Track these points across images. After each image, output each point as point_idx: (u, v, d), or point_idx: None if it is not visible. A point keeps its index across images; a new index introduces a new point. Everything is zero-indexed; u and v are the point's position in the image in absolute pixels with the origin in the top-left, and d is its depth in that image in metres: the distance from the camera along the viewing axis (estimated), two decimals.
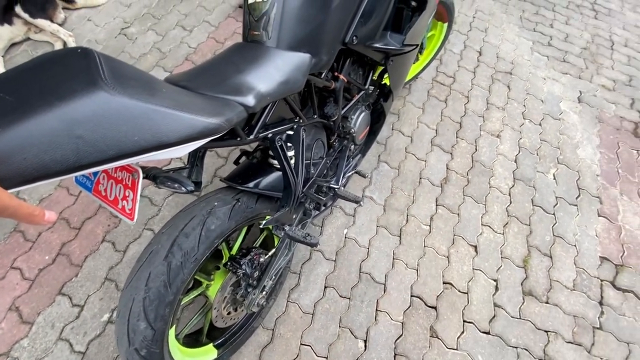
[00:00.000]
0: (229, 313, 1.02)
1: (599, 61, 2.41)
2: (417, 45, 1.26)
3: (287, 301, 1.37)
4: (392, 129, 1.89)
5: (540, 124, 2.02)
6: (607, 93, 2.23)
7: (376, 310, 1.38)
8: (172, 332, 0.86)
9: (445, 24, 1.75)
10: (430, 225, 1.61)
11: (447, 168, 1.79)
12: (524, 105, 2.09)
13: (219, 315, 0.98)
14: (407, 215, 1.63)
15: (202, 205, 0.86)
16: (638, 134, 2.07)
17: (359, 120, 1.25)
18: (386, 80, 1.37)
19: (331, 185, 1.14)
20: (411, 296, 1.43)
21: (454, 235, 1.60)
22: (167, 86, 0.56)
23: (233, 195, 0.91)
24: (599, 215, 1.73)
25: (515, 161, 1.86)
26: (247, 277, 0.96)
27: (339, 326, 1.34)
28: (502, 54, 2.34)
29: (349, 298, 1.40)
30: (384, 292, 1.42)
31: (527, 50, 2.40)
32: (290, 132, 0.92)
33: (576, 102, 2.16)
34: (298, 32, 0.80)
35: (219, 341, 1.10)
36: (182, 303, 0.94)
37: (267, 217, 1.04)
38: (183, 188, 0.56)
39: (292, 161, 0.92)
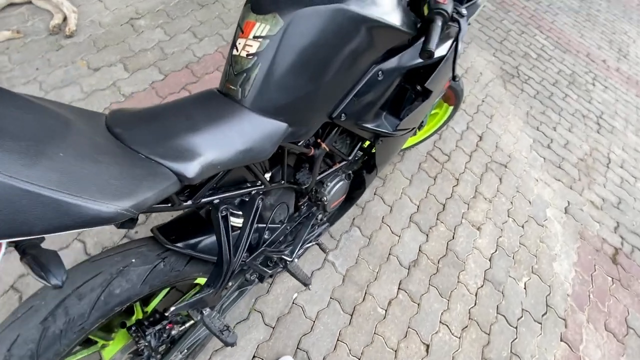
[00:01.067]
0: None
1: (592, 176, 2.41)
2: (412, 129, 1.19)
3: None
4: (375, 194, 1.80)
5: (522, 226, 1.97)
6: (594, 210, 2.21)
7: None
8: None
9: (451, 107, 1.71)
10: (386, 311, 1.48)
11: (419, 250, 1.69)
12: (511, 203, 2.04)
13: None
14: (366, 293, 1.51)
15: (116, 260, 0.73)
16: (616, 260, 2.03)
17: (334, 189, 1.15)
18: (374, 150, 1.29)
19: (283, 256, 1.01)
20: None
21: (409, 327, 1.47)
22: (75, 143, 0.45)
23: (159, 253, 0.78)
24: (561, 340, 1.64)
25: (490, 260, 1.78)
26: (150, 349, 0.81)
27: None
28: (501, 144, 2.32)
29: None
30: None
31: (526, 146, 2.39)
32: (245, 198, 0.81)
33: (563, 212, 2.13)
34: (278, 99, 0.71)
35: None
36: None
37: (198, 279, 0.91)
38: (47, 281, 0.44)
39: (236, 232, 0.80)
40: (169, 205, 0.63)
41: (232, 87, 0.71)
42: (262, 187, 0.83)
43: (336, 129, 0.96)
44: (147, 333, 0.78)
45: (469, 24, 1.58)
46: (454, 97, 1.61)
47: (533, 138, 2.47)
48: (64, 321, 0.64)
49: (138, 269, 0.73)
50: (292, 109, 0.74)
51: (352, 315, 1.44)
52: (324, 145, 0.95)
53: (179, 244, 0.79)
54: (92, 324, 0.66)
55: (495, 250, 1.82)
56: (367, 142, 1.20)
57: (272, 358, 1.28)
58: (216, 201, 0.72)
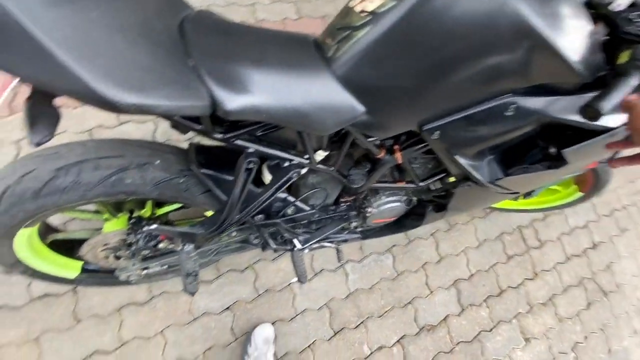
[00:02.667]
0: (105, 257, 0.90)
1: None
2: (515, 193, 0.93)
3: None
4: (431, 235, 1.56)
5: None
6: None
7: None
8: (25, 232, 0.76)
9: (580, 195, 1.34)
10: (372, 353, 1.32)
11: (444, 319, 1.44)
12: (586, 338, 1.59)
13: (91, 252, 0.86)
14: (362, 323, 1.35)
15: (143, 152, 0.71)
16: None
17: (385, 207, 0.99)
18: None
19: (295, 240, 0.92)
20: None
21: None
22: (121, 10, 0.39)
23: (183, 169, 0.74)
24: None
25: None
26: (136, 247, 0.81)
27: None
28: (616, 268, 1.80)
29: None
30: None
31: None
32: (282, 163, 0.71)
33: None
34: (369, 77, 0.58)
35: (90, 267, 1.00)
36: (70, 214, 0.83)
37: (207, 212, 0.87)
38: (27, 133, 0.41)
39: (258, 191, 0.72)
40: (198, 127, 0.57)
41: (328, 41, 0.60)
42: (307, 162, 0.73)
43: (422, 145, 0.79)
44: (138, 232, 0.78)
45: None
46: (591, 184, 1.24)
47: None
48: (71, 180, 0.65)
49: (156, 173, 0.71)
50: (379, 95, 0.60)
51: (335, 334, 1.31)
52: (398, 155, 0.79)
53: (204, 171, 0.75)
54: (94, 196, 0.67)
55: None
56: (452, 179, 0.99)
57: (243, 320, 1.25)
58: (250, 150, 0.64)
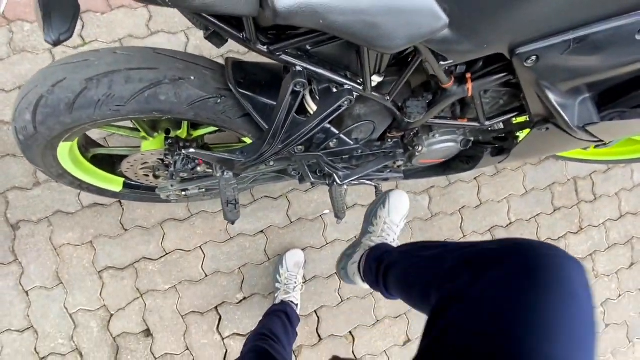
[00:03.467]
0: (145, 175, 0.90)
1: None
2: (600, 142, 0.79)
3: None
4: (475, 178, 1.46)
5: (608, 325, 1.52)
6: None
7: None
8: (67, 145, 0.75)
9: None
10: None
11: None
12: (622, 297, 1.55)
13: (131, 170, 0.86)
14: None
15: (178, 66, 0.64)
16: None
17: (437, 147, 0.88)
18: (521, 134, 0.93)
19: (335, 174, 0.86)
20: None
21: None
22: None
23: (220, 87, 0.67)
24: None
25: None
26: (173, 169, 0.79)
27: None
28: None
29: None
30: None
31: None
32: (333, 88, 0.61)
33: None
34: None
35: (131, 183, 1.02)
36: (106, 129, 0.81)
37: (245, 138, 0.82)
38: (41, 28, 0.33)
39: (301, 119, 0.64)
40: (240, 35, 0.47)
41: None
42: (360, 88, 0.62)
43: (501, 74, 0.65)
44: (177, 153, 0.75)
45: None
46: None
47: None
48: (104, 93, 0.60)
49: (191, 90, 0.64)
50: (470, 2, 0.46)
51: None
52: (470, 85, 0.66)
53: (243, 91, 0.66)
54: (128, 112, 0.62)
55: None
56: (524, 118, 0.84)
57: (276, 244, 1.29)
58: (298, 68, 0.54)
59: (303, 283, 1.24)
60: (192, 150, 0.67)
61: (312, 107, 0.68)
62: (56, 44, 0.34)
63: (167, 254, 1.23)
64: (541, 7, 0.47)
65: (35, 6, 0.34)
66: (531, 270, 0.38)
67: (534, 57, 0.54)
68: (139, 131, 0.82)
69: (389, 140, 0.90)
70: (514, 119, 0.82)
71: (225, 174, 0.72)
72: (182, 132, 0.84)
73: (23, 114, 0.63)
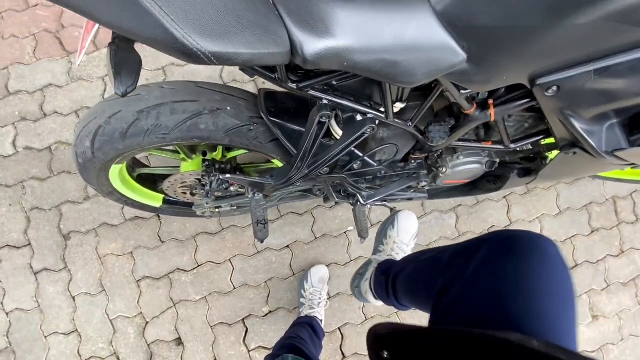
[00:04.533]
0: (183, 193, 0.97)
1: None
2: (632, 165, 0.77)
3: None
4: (504, 197, 1.43)
5: None
6: None
7: None
8: (117, 167, 0.84)
9: None
10: None
11: None
12: None
13: (171, 188, 0.94)
14: None
15: (216, 98, 0.70)
16: None
17: (462, 168, 0.89)
18: (550, 155, 0.92)
19: (358, 194, 0.89)
20: None
21: None
22: None
23: (253, 116, 0.73)
24: None
25: None
26: (209, 187, 0.86)
27: None
28: None
29: None
30: None
31: None
32: (357, 116, 0.65)
33: None
34: (477, 14, 0.46)
35: (170, 199, 1.10)
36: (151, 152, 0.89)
37: (275, 161, 0.87)
38: (111, 82, 0.40)
39: (328, 143, 0.68)
40: (272, 76, 0.52)
41: None
42: (383, 116, 0.66)
43: (524, 101, 0.66)
44: (212, 174, 0.81)
45: None
46: None
47: None
48: (152, 123, 0.67)
49: (227, 119, 0.70)
50: (487, 38, 0.49)
51: None
52: (492, 111, 0.67)
53: (274, 119, 0.72)
54: (172, 139, 0.69)
55: (593, 351, 1.38)
56: (549, 140, 0.83)
57: (301, 259, 1.33)
58: (324, 101, 0.59)
59: (327, 299, 1.26)
60: (228, 175, 0.73)
61: (337, 132, 0.72)
62: (124, 95, 0.41)
63: (199, 265, 1.30)
64: (559, 40, 0.48)
65: (107, 63, 0.41)
66: (512, 246, 0.47)
67: (555, 88, 0.54)
68: (179, 153, 0.90)
69: (413, 161, 0.92)
70: (544, 140, 0.81)
71: (256, 195, 0.77)
72: (218, 154, 0.91)
73: (83, 141, 0.72)
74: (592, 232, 1.44)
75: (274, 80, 0.53)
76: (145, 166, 1.00)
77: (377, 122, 0.65)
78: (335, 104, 0.60)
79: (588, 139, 0.64)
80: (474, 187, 1.06)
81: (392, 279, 0.76)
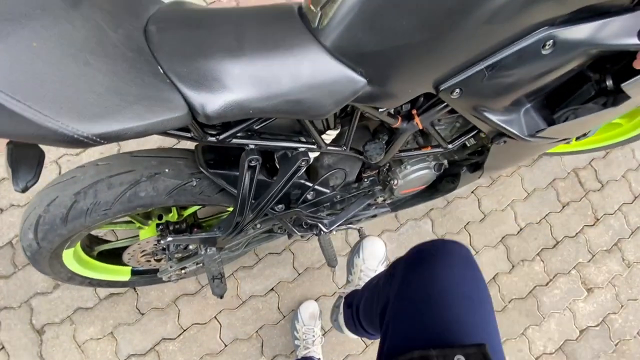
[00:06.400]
0: (147, 261, 0.95)
1: None
2: (565, 140, 0.81)
3: None
4: (472, 192, 1.46)
5: None
6: None
7: None
8: (69, 251, 0.82)
9: None
10: None
11: (493, 278, 1.38)
12: None
13: (133, 259, 0.92)
14: None
15: (152, 163, 0.71)
16: None
17: (412, 176, 0.91)
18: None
19: (319, 224, 0.89)
20: None
21: None
22: (65, 33, 0.36)
23: (194, 172, 0.74)
24: None
25: (582, 332, 1.36)
26: (168, 251, 0.84)
27: None
28: None
29: None
30: None
31: None
32: (288, 153, 0.67)
33: None
34: (365, 42, 0.49)
35: (138, 269, 1.07)
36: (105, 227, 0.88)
37: (229, 209, 0.87)
38: (11, 179, 0.41)
39: (269, 181, 0.69)
40: (188, 135, 0.54)
41: (312, 8, 0.52)
42: (315, 147, 0.68)
43: (443, 105, 0.69)
44: (168, 237, 0.80)
45: None
46: None
47: None
48: (91, 202, 0.67)
49: (167, 181, 0.71)
50: (381, 60, 0.52)
51: None
52: (417, 120, 0.71)
53: (214, 171, 0.73)
54: (114, 213, 0.69)
55: (597, 325, 1.37)
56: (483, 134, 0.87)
57: (288, 299, 1.29)
58: (251, 146, 0.60)
59: (322, 335, 1.22)
60: (169, 238, 0.73)
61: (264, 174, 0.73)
62: (24, 190, 0.41)
63: (184, 330, 1.25)
64: (443, 49, 0.52)
65: (5, 161, 0.42)
66: (422, 259, 0.52)
67: (457, 90, 0.58)
68: (134, 223, 0.89)
69: (366, 180, 0.94)
70: (479, 134, 0.85)
71: (208, 250, 0.76)
72: (173, 216, 0.90)
73: (27, 234, 0.70)
74: (563, 207, 1.48)
75: (191, 139, 0.55)
76: (104, 242, 0.98)
77: (309, 154, 0.67)
78: (262, 146, 0.62)
79: (508, 127, 0.67)
80: (433, 190, 1.08)
81: (356, 310, 0.76)
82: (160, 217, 0.90)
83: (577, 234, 1.45)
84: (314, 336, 1.18)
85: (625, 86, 0.60)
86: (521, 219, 1.45)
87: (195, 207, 0.93)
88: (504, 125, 0.67)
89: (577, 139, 1.14)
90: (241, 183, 0.63)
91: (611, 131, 1.27)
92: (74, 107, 0.34)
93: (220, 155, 0.76)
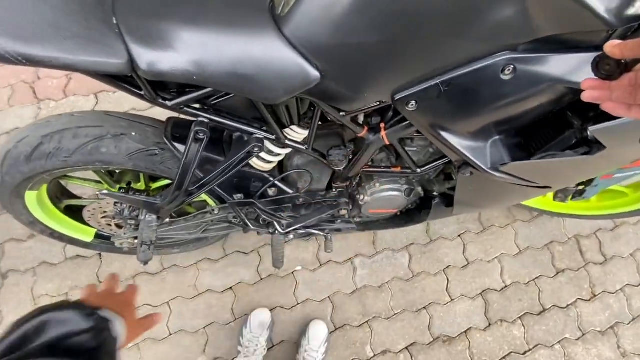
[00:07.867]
0: (107, 224, 0.97)
1: None
2: (545, 187, 0.76)
3: None
4: (459, 236, 1.38)
5: None
6: None
7: None
8: (33, 194, 0.85)
9: None
10: (374, 357, 1.22)
11: (465, 333, 1.27)
12: None
13: (93, 218, 0.94)
14: (366, 323, 1.26)
15: (121, 124, 0.74)
16: None
17: (379, 196, 0.89)
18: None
19: (276, 222, 0.87)
20: None
21: None
22: None
23: (159, 142, 0.76)
24: None
25: None
26: (121, 216, 0.85)
27: None
28: None
29: None
30: None
31: None
32: (244, 136, 0.67)
33: None
34: (322, 36, 0.50)
35: (103, 234, 1.09)
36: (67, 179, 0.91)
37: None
38: None
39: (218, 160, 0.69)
40: (140, 92, 0.56)
41: None
42: (273, 137, 0.68)
43: (409, 122, 0.68)
44: (104, 190, 0.81)
45: None
46: None
47: None
48: (54, 146, 0.70)
49: (131, 143, 0.73)
50: (336, 57, 0.53)
51: (336, 330, 1.24)
52: (383, 133, 0.69)
53: (178, 145, 0.75)
54: (74, 162, 0.72)
55: None
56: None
57: (244, 302, 1.25)
58: (202, 119, 0.62)
59: (266, 347, 1.16)
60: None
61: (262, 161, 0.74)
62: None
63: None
64: (400, 55, 0.52)
65: None
66: None
67: (413, 102, 0.57)
68: (102, 183, 0.92)
69: (334, 190, 0.92)
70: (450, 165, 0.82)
71: (147, 216, 0.76)
72: (141, 185, 0.92)
73: None
74: (558, 273, 1.36)
75: (142, 97, 0.57)
76: (72, 197, 1.01)
77: (264, 142, 0.67)
78: (214, 121, 0.63)
79: (468, 154, 0.64)
80: (407, 217, 1.04)
81: None
82: (129, 184, 0.93)
83: (568, 305, 1.32)
84: (257, 345, 1.12)
85: (594, 131, 0.57)
86: (508, 275, 1.35)
87: (164, 182, 0.94)
88: (463, 151, 0.64)
89: (574, 197, 1.07)
90: (185, 152, 0.64)
91: (615, 200, 1.18)
92: (8, 28, 0.37)
93: (188, 132, 0.78)
